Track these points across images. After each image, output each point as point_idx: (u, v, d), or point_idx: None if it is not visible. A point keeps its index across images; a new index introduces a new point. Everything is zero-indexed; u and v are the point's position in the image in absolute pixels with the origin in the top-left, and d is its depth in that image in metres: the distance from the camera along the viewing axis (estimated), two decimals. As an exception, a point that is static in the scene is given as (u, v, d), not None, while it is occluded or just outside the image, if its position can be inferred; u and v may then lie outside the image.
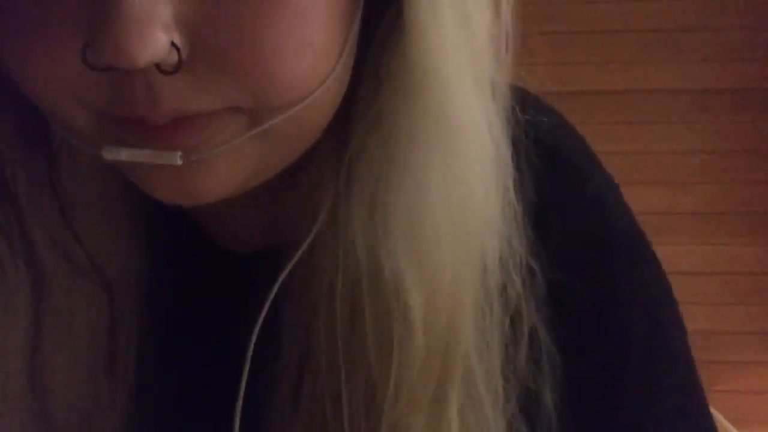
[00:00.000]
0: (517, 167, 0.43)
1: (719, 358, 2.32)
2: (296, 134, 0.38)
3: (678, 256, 2.30)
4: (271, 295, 0.41)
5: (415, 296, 0.40)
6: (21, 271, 0.41)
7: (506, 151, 0.42)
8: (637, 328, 0.47)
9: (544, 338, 0.44)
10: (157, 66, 0.33)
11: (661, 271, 0.49)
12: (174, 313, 0.47)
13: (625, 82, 2.36)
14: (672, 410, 0.47)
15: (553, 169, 0.46)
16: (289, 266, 0.41)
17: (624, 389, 0.46)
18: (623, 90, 2.33)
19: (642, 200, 2.07)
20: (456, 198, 0.40)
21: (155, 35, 0.32)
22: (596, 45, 2.33)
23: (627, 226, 0.48)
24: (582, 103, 2.27)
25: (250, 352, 0.41)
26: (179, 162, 0.35)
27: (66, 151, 0.42)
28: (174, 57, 0.33)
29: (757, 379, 2.37)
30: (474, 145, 0.40)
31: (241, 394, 0.41)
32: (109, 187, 0.44)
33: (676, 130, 2.38)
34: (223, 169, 0.37)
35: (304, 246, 0.41)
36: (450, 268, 0.41)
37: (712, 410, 0.53)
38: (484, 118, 0.41)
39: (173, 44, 0.33)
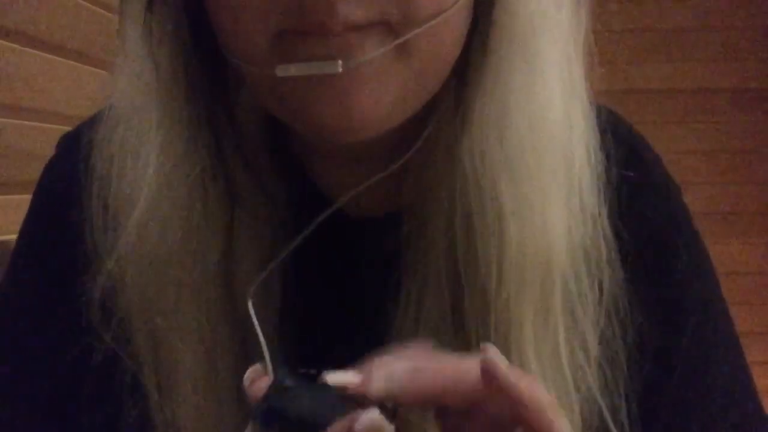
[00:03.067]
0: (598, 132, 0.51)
1: (719, 358, 2.32)
2: (433, 55, 0.44)
3: (678, 256, 2.30)
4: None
5: (509, 203, 0.47)
6: (221, 189, 0.49)
7: (581, 84, 0.51)
8: (694, 297, 0.53)
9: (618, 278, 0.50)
10: None
11: (709, 257, 0.57)
12: (306, 267, 0.53)
13: (624, 83, 2.36)
14: (725, 376, 0.53)
15: (629, 151, 0.53)
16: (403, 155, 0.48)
17: (679, 354, 0.52)
18: (623, 90, 2.33)
19: (642, 200, 2.06)
20: (538, 110, 0.47)
21: None
22: (596, 45, 2.33)
23: (687, 216, 0.55)
24: (582, 103, 2.27)
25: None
26: (340, 69, 0.41)
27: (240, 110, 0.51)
28: None
29: (757, 380, 2.36)
30: (556, 73, 0.48)
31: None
32: (260, 150, 0.52)
33: (675, 130, 2.38)
34: (374, 83, 0.43)
35: (420, 143, 0.49)
36: (537, 173, 0.47)
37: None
38: (565, 59, 0.49)
39: None
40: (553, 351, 0.48)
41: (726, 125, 2.39)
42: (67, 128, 0.93)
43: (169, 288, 0.49)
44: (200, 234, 0.49)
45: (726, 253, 2.35)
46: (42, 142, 0.88)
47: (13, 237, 0.82)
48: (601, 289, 0.49)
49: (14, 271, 0.58)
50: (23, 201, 0.85)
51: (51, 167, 0.59)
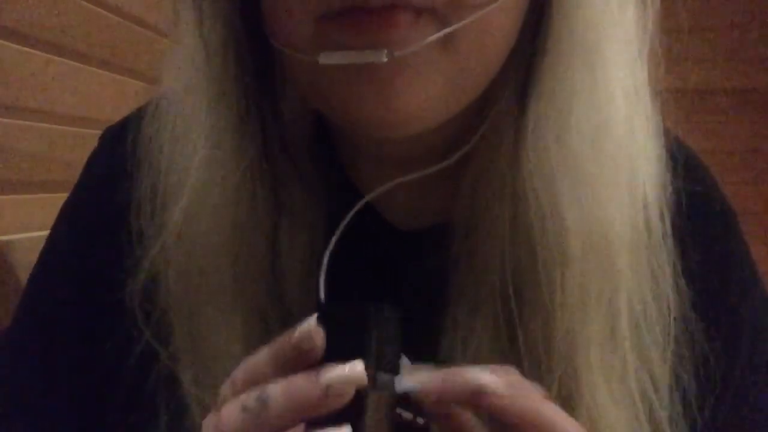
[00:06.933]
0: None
1: (719, 358, 2.31)
2: (480, 49, 0.42)
3: (678, 256, 2.30)
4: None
5: (570, 214, 0.45)
6: (268, 184, 0.48)
7: (645, 88, 0.50)
8: (752, 324, 0.53)
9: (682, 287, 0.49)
10: None
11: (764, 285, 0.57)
12: (347, 276, 0.50)
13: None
14: None
15: (690, 166, 0.53)
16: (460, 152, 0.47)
17: (737, 383, 0.51)
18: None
19: (642, 200, 2.06)
20: (601, 121, 0.45)
21: None
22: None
23: (744, 240, 0.56)
24: (582, 103, 2.27)
25: None
26: (385, 59, 0.40)
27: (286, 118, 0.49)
28: None
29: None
30: (619, 76, 0.47)
31: None
32: (304, 150, 0.51)
33: (675, 130, 2.38)
34: (419, 75, 0.41)
35: (474, 137, 0.46)
36: (603, 190, 0.45)
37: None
38: (629, 61, 0.48)
39: None
40: (621, 378, 0.46)
41: (726, 125, 2.39)
42: (67, 128, 0.93)
43: (214, 281, 0.48)
44: (247, 228, 0.48)
45: (726, 253, 2.35)
46: (42, 142, 0.88)
47: (13, 237, 0.82)
48: (668, 314, 0.47)
49: (51, 258, 0.56)
50: (23, 201, 0.85)
51: (94, 160, 0.58)
